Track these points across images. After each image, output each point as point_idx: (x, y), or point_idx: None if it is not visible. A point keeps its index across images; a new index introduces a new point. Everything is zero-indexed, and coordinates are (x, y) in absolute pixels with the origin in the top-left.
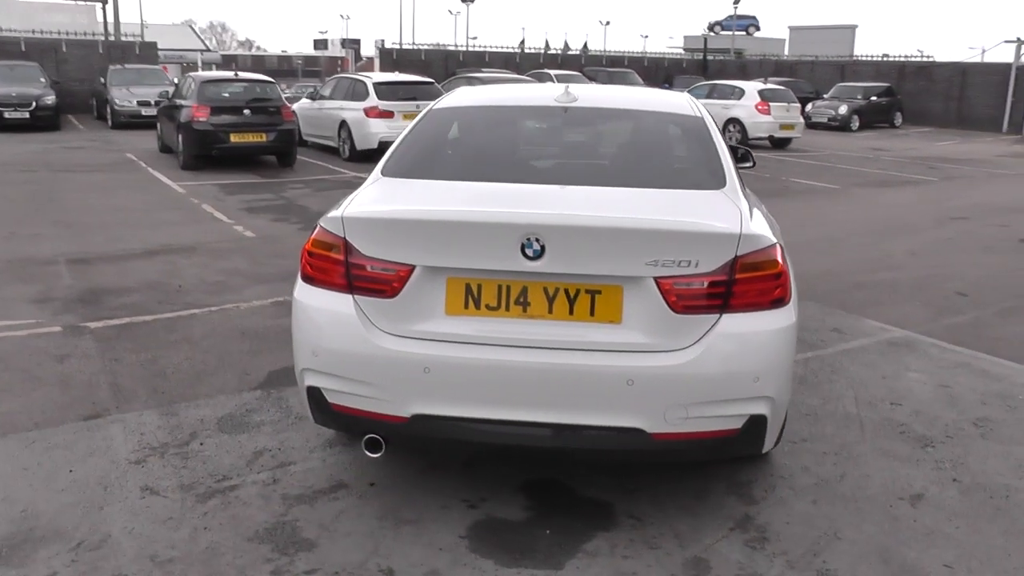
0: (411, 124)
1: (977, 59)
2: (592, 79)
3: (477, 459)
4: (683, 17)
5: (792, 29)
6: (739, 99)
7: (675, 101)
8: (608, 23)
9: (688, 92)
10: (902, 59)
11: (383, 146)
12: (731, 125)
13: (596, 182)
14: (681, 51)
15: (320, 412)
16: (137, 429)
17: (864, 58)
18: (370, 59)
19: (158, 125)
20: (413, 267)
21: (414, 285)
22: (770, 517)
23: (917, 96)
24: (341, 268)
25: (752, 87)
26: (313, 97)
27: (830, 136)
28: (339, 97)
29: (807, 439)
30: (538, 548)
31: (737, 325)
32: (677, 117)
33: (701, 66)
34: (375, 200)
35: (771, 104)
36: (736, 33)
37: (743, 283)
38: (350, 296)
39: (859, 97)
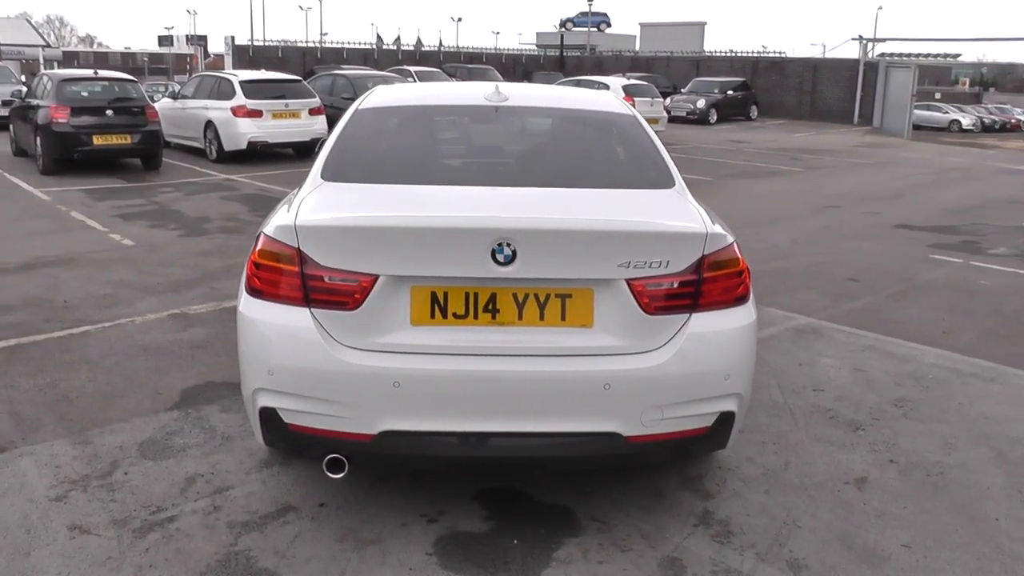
0: (339, 125)
1: (827, 55)
2: (452, 76)
3: (424, 471)
4: (533, 14)
5: (643, 26)
6: None
7: (603, 99)
8: (460, 19)
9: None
10: (755, 55)
11: (252, 147)
12: None
13: (549, 183)
14: (534, 48)
15: (274, 434)
16: (50, 462)
17: (718, 54)
18: (219, 56)
19: (11, 127)
20: (376, 277)
21: (377, 296)
22: (729, 511)
23: (770, 90)
24: (295, 280)
25: (616, 82)
26: (175, 96)
27: (690, 129)
28: (203, 96)
29: (744, 429)
30: (510, 559)
31: (706, 324)
32: (610, 115)
33: (558, 62)
34: (327, 207)
35: (635, 99)
36: (587, 30)
37: (710, 282)
38: (307, 310)
39: (716, 91)
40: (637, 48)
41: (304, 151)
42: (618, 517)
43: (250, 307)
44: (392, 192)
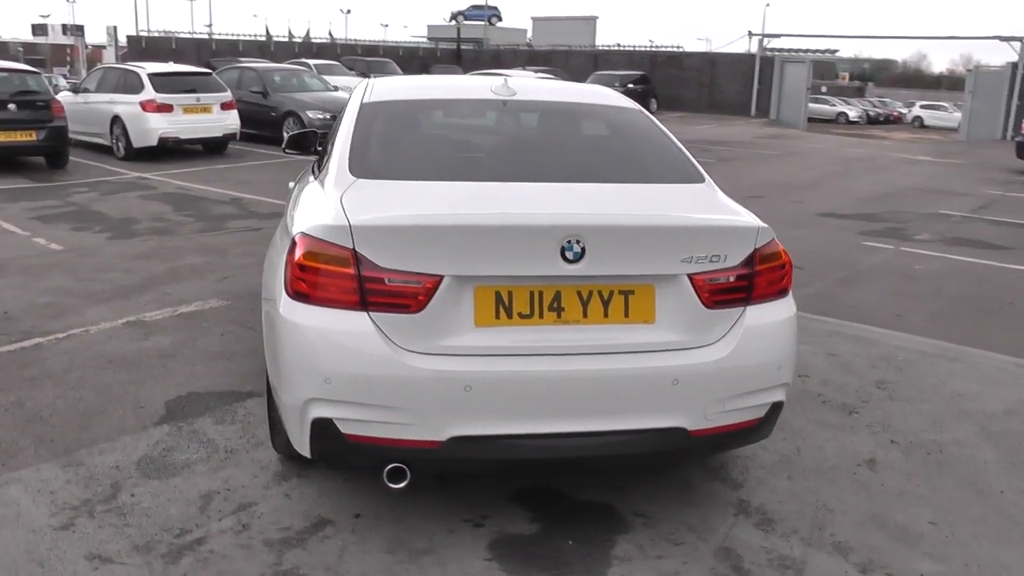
0: (347, 120)
1: (722, 50)
2: (351, 69)
3: (446, 475)
4: (423, 7)
5: (535, 20)
6: None
7: (605, 93)
8: (349, 12)
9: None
10: (652, 49)
11: (163, 143)
12: None
13: (589, 178)
14: (426, 41)
15: (326, 446)
16: (42, 488)
17: (617, 47)
18: (98, 47)
19: None
20: (441, 278)
21: (442, 297)
22: (761, 498)
23: (669, 84)
24: (351, 283)
25: (522, 76)
26: (76, 90)
27: None
28: (108, 90)
29: None
30: (571, 560)
31: (759, 316)
32: (619, 109)
33: (455, 55)
34: (380, 206)
35: None
36: (482, 23)
37: (761, 274)
38: (364, 313)
39: (616, 85)
40: (529, 42)
41: (215, 147)
42: (659, 511)
43: (296, 312)
44: (441, 189)
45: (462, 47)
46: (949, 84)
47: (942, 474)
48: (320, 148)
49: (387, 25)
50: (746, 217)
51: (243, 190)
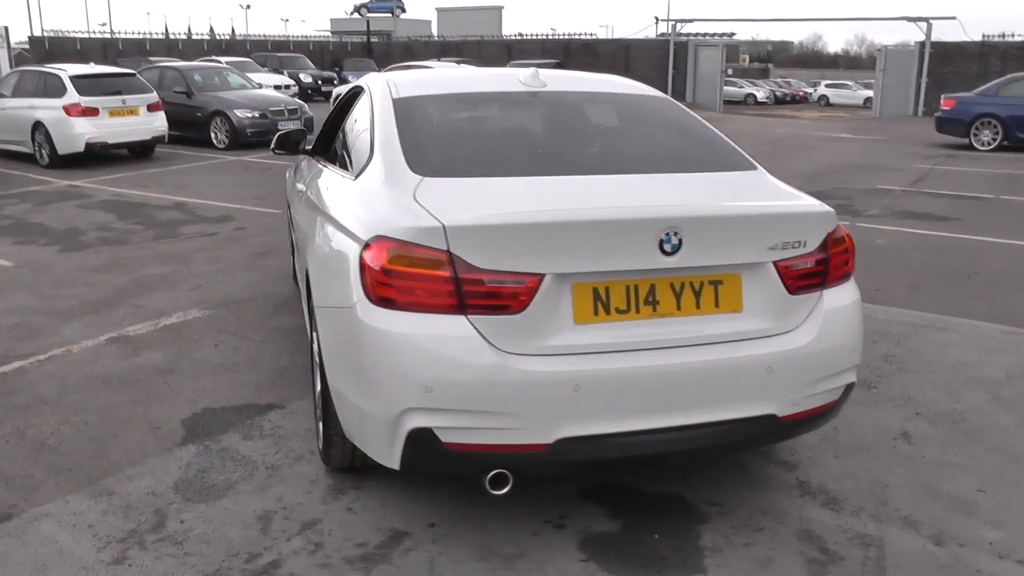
0: (383, 117)
1: (632, 37)
2: (263, 65)
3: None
4: (322, 1)
5: (440, 11)
6: None
7: (628, 82)
8: (249, 7)
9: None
10: (566, 37)
11: (91, 149)
12: None
13: (655, 169)
14: (330, 34)
15: (423, 457)
16: (78, 521)
17: (530, 36)
18: None
19: None
20: (542, 276)
21: (542, 297)
22: (819, 478)
23: (584, 71)
24: (448, 286)
25: (435, 67)
26: None
27: None
28: (26, 94)
29: None
30: (664, 554)
31: (834, 300)
32: (651, 98)
33: (366, 49)
34: (469, 205)
35: None
36: (383, 15)
37: (833, 258)
38: (463, 317)
39: None
40: (434, 33)
41: (142, 151)
42: (728, 498)
43: (384, 319)
44: (517, 186)
45: (370, 40)
46: (845, 63)
47: (972, 442)
48: (308, 148)
49: (287, 20)
50: (816, 202)
51: (183, 194)
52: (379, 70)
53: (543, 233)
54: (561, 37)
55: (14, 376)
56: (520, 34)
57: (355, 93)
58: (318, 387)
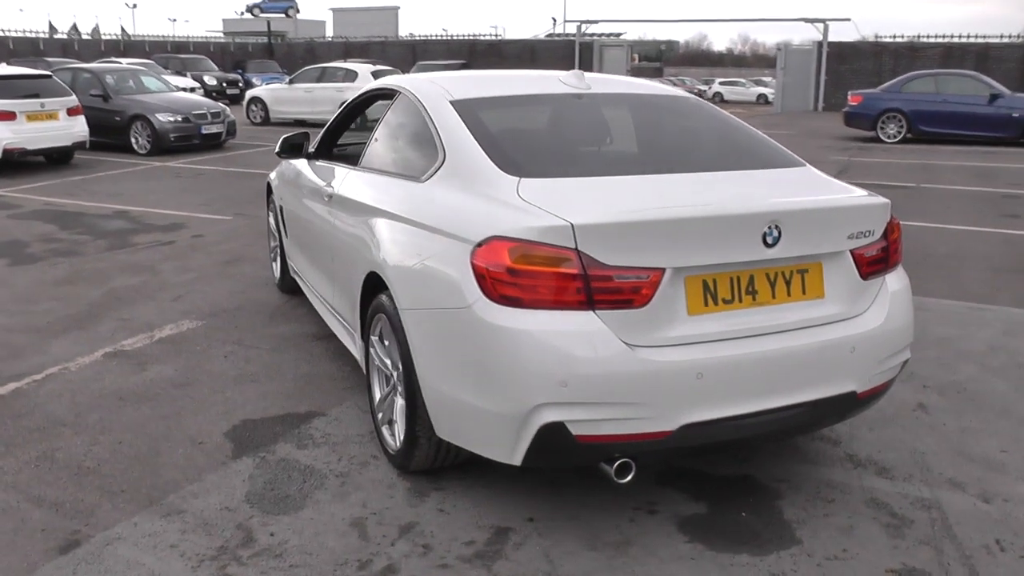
0: (447, 118)
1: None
2: (166, 67)
3: (553, 471)
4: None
5: (335, 11)
6: (353, 81)
7: (656, 83)
8: (135, 6)
9: (292, 78)
10: (471, 37)
11: (8, 156)
12: None
13: (730, 167)
14: (222, 35)
15: (553, 451)
16: (157, 542)
17: (433, 37)
18: None
19: None
20: (663, 270)
21: (663, 290)
22: (864, 451)
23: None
24: (576, 283)
25: (365, 69)
26: None
27: None
28: None
29: None
30: (758, 531)
31: (894, 283)
32: (685, 99)
33: (267, 50)
34: (587, 203)
35: None
36: (276, 15)
37: (891, 245)
38: (591, 312)
39: None
40: (328, 34)
41: (60, 158)
42: (791, 475)
43: (509, 318)
44: (619, 184)
45: (261, 41)
46: (731, 61)
47: (980, 409)
48: (313, 150)
49: (175, 20)
50: (872, 194)
51: (121, 202)
52: (283, 72)
53: (665, 229)
54: (466, 38)
55: (15, 398)
56: (412, 34)
57: (377, 95)
58: (378, 392)
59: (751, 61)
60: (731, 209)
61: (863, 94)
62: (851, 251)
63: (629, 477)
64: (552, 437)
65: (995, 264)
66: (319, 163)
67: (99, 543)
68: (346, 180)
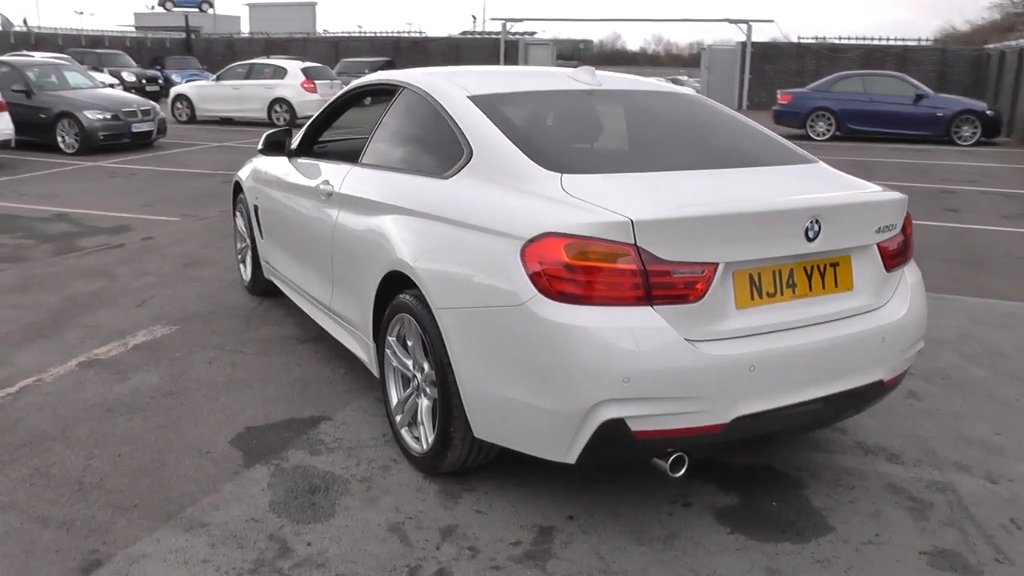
0: (469, 114)
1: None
2: (82, 63)
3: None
4: None
5: (251, 7)
6: (283, 79)
7: (659, 81)
8: None
9: (218, 75)
10: (396, 34)
11: None
12: (277, 105)
13: (754, 163)
14: (134, 30)
15: (610, 447)
16: (187, 557)
17: (354, 34)
18: None
19: None
20: (716, 265)
21: (715, 285)
22: (871, 438)
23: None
24: (635, 279)
25: (295, 66)
26: None
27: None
28: None
29: None
30: (792, 519)
31: (911, 275)
32: (692, 97)
33: (186, 46)
34: (645, 200)
35: (316, 82)
36: (190, 10)
37: (907, 239)
38: (649, 308)
39: (366, 71)
40: (244, 29)
41: None
42: (809, 464)
43: (568, 315)
44: (665, 180)
45: (176, 36)
46: (645, 60)
47: (967, 394)
48: (295, 147)
49: (81, 13)
50: (888, 189)
51: (57, 204)
52: (204, 69)
53: (718, 224)
54: (390, 35)
55: None
56: (326, 31)
57: (374, 91)
58: (395, 394)
59: (665, 60)
60: (780, 204)
61: (792, 93)
62: (877, 244)
63: (683, 471)
64: (611, 434)
65: (948, 256)
66: (305, 161)
67: (123, 561)
68: (349, 178)
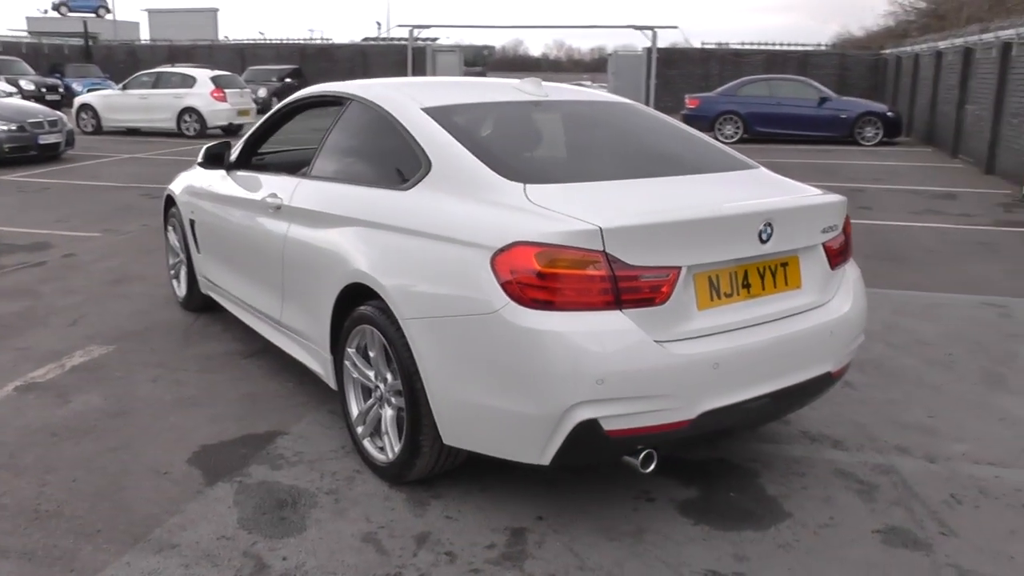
0: (424, 126)
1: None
2: None
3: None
4: None
5: (150, 12)
6: (192, 87)
7: (598, 91)
8: None
9: (124, 84)
10: (303, 41)
11: None
12: (187, 115)
13: (701, 169)
14: (27, 35)
15: (584, 447)
16: None
17: (264, 41)
18: None
19: None
20: (679, 268)
21: (679, 287)
22: (813, 427)
23: (322, 76)
24: (605, 284)
25: (204, 74)
26: None
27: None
28: None
29: None
30: (751, 509)
31: (852, 273)
32: (634, 106)
33: (84, 53)
34: (609, 208)
35: (226, 91)
36: (85, 15)
37: (847, 239)
38: (619, 311)
39: (274, 79)
40: (144, 36)
41: None
42: (759, 455)
43: (542, 321)
44: (624, 188)
45: (73, 42)
46: (547, 66)
47: (899, 382)
48: (234, 160)
49: None
50: (829, 192)
51: None
52: (106, 77)
53: (681, 230)
54: (296, 42)
55: None
56: (227, 37)
57: (317, 102)
58: (355, 406)
59: (567, 66)
60: (736, 209)
61: (700, 97)
62: (822, 244)
63: (652, 466)
64: (585, 434)
65: (866, 252)
66: (246, 174)
67: None
68: (300, 190)
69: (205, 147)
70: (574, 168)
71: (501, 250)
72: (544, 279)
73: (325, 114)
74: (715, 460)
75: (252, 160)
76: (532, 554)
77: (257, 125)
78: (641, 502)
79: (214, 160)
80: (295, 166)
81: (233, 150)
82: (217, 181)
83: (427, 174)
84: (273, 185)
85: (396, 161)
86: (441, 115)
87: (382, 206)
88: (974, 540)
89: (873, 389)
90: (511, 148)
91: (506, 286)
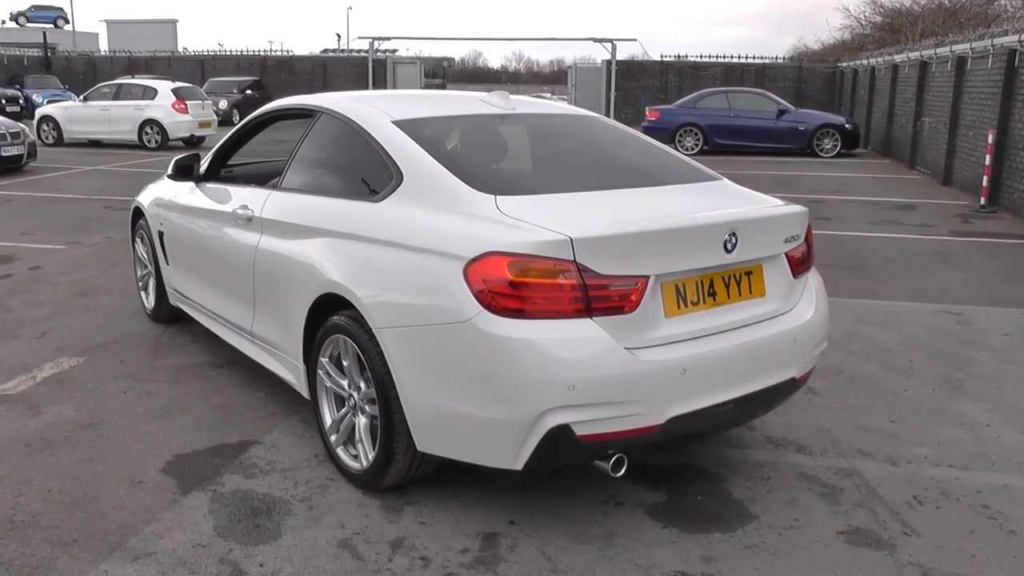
0: (395, 139)
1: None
2: None
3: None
4: None
5: (109, 23)
6: (153, 99)
7: (563, 104)
8: None
9: (85, 96)
10: (263, 53)
11: None
12: (148, 127)
13: (665, 181)
14: None
15: (556, 452)
16: None
17: (223, 52)
18: None
19: None
20: (648, 277)
21: (647, 296)
22: (777, 432)
23: (283, 87)
24: (575, 292)
25: (165, 86)
26: None
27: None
28: None
29: None
30: (719, 512)
31: (814, 281)
32: (598, 118)
33: (44, 63)
34: (580, 219)
35: (187, 103)
36: (44, 25)
37: (809, 248)
38: (589, 319)
39: (235, 91)
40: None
41: None
42: (725, 459)
43: (514, 329)
44: (593, 199)
45: (32, 53)
46: (507, 78)
47: (860, 388)
48: (203, 172)
49: None
50: (790, 203)
51: None
52: (65, 88)
53: (649, 240)
54: (256, 53)
55: None
56: (185, 48)
57: (286, 115)
58: (328, 415)
59: (526, 78)
60: (703, 220)
61: (660, 110)
62: (785, 253)
63: (623, 470)
64: (557, 439)
65: (826, 262)
66: (216, 186)
67: None
68: (271, 202)
69: (174, 159)
70: (543, 180)
71: (474, 260)
72: (516, 288)
73: (293, 127)
74: (681, 465)
75: (221, 172)
76: (505, 558)
77: (226, 138)
78: (610, 506)
79: (183, 172)
80: (265, 178)
81: (202, 162)
82: (186, 193)
83: (399, 186)
84: (244, 197)
85: (367, 173)
86: (412, 128)
87: (354, 217)
88: (936, 539)
89: (836, 395)
90: (481, 160)
91: (479, 295)
